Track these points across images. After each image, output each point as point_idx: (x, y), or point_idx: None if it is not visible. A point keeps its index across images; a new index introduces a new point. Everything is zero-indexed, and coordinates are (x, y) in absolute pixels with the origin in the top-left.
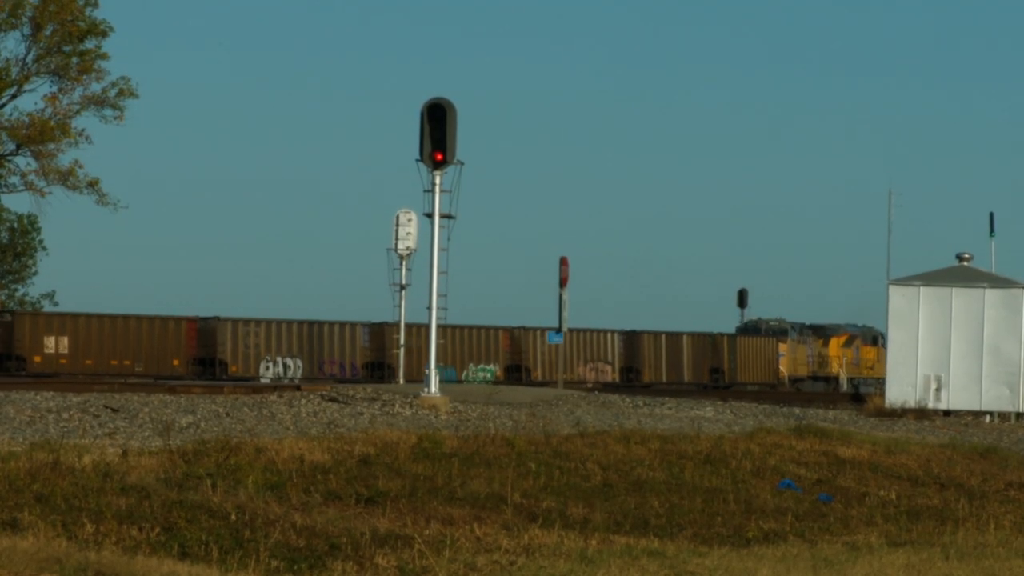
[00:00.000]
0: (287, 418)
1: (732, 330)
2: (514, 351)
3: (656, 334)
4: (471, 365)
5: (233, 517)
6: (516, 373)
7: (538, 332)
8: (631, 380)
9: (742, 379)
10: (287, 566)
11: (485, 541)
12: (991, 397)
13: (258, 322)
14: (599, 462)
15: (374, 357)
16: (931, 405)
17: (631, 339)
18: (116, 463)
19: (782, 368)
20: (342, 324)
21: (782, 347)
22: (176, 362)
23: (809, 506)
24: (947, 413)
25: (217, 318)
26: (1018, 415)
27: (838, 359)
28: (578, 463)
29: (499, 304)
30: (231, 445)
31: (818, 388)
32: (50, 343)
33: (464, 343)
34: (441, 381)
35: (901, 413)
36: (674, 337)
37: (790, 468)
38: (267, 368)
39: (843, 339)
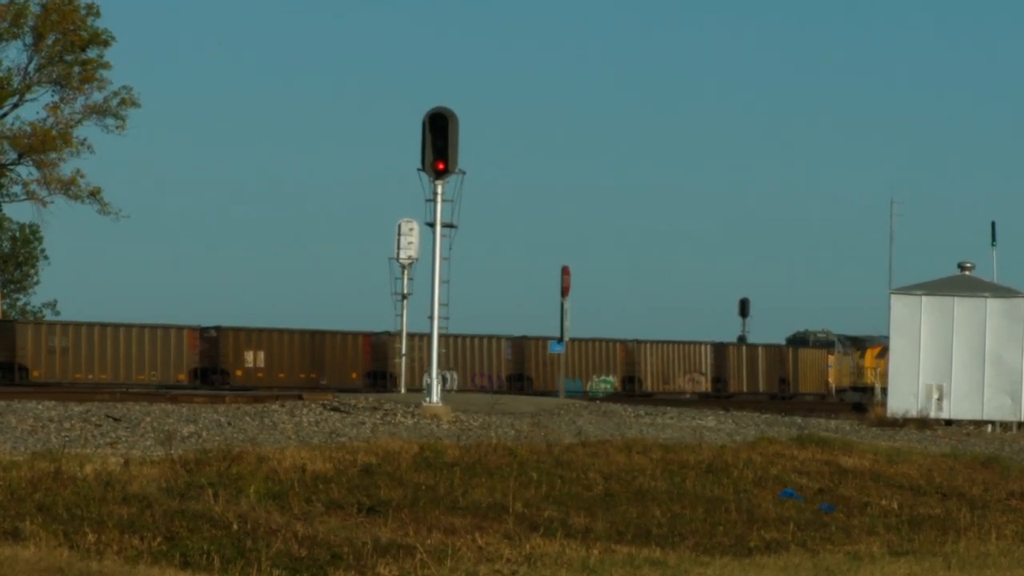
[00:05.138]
0: (289, 427)
1: (733, 339)
2: (628, 363)
3: (738, 346)
4: (594, 377)
5: (235, 526)
6: (631, 384)
7: (648, 345)
8: (719, 390)
9: (802, 389)
10: (289, 575)
11: (487, 550)
12: (993, 406)
13: (421, 336)
14: (601, 471)
15: (515, 369)
16: (933, 414)
17: (720, 351)
18: (118, 472)
19: (830, 379)
20: (489, 338)
21: (830, 358)
22: (354, 375)
23: (811, 515)
24: (949, 422)
25: (388, 333)
26: (1020, 424)
27: (872, 369)
28: (580, 472)
29: (500, 312)
30: (233, 454)
31: (855, 398)
32: (249, 358)
33: (588, 355)
34: (567, 392)
35: (903, 422)
36: (752, 349)
37: (792, 478)
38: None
39: (877, 350)
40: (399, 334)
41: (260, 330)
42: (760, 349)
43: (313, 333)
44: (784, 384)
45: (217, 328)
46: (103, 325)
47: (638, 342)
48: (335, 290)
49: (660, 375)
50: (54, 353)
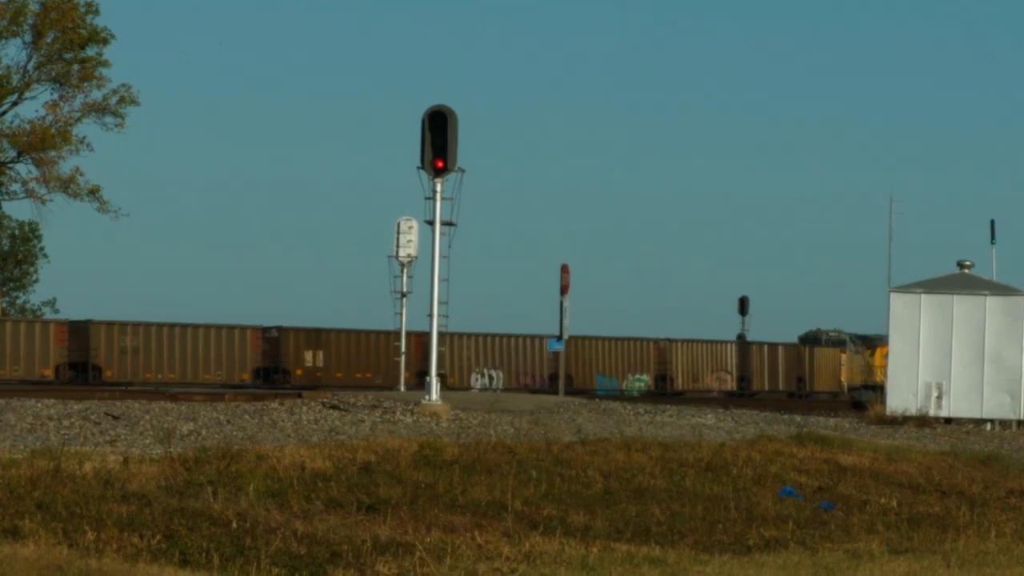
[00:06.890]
0: (288, 426)
1: (732, 337)
2: (660, 361)
3: (760, 345)
4: (629, 375)
5: (234, 524)
6: (663, 382)
7: (679, 344)
8: (743, 389)
9: (817, 388)
10: (288, 573)
11: (486, 549)
12: (992, 405)
13: (470, 336)
14: (600, 470)
15: (557, 368)
16: (932, 413)
17: (744, 349)
18: (117, 470)
19: (842, 377)
20: (532, 337)
21: (843, 357)
22: (407, 374)
23: (810, 514)
24: (948, 421)
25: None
26: (1019, 423)
27: (881, 368)
28: (579, 471)
29: (500, 311)
30: (232, 452)
31: (867, 396)
32: (309, 357)
33: (623, 354)
34: (605, 391)
35: (902, 421)
36: (773, 348)
37: (791, 476)
38: (476, 379)
39: (886, 348)
40: (398, 332)
41: (319, 330)
42: (780, 348)
43: (368, 333)
44: (801, 383)
45: (278, 328)
46: (171, 325)
47: (670, 341)
48: (334, 289)
49: (690, 374)
50: (125, 353)
